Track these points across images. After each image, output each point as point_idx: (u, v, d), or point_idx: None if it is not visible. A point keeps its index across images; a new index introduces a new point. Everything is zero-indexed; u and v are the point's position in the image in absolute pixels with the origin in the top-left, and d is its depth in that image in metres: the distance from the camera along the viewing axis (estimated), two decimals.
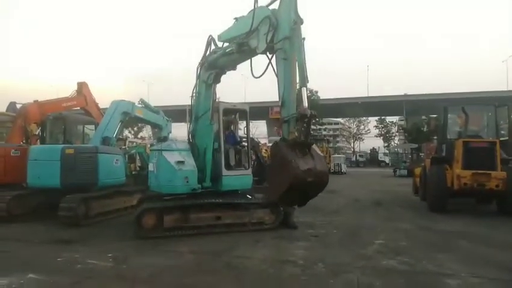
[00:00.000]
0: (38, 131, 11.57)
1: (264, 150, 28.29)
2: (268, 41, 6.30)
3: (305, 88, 5.84)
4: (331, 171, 33.28)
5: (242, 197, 8.24)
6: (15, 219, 8.75)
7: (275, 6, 6.44)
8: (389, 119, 74.74)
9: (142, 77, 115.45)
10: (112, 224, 8.86)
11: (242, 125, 9.30)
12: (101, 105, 13.54)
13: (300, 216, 8.68)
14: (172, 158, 7.70)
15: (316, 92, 52.63)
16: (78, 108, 13.28)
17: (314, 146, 5.95)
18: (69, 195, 8.39)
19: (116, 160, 9.89)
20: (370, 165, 59.25)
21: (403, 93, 56.78)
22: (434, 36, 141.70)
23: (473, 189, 10.05)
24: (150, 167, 8.29)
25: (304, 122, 5.72)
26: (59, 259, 5.87)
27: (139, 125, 56.36)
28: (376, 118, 74.59)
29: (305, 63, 5.92)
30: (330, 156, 35.46)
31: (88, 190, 8.90)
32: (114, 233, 7.74)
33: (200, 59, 8.11)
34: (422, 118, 51.71)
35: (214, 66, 7.93)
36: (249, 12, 6.79)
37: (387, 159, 60.83)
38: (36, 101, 11.87)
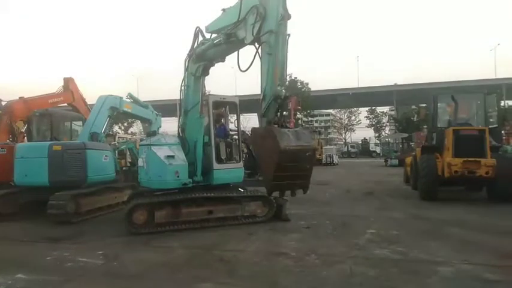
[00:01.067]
0: (24, 128, 11.36)
1: None
2: (254, 32, 6.24)
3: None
4: (323, 162, 33.41)
5: (234, 190, 8.18)
6: (4, 218, 8.58)
7: None
8: (380, 109, 75.28)
9: (132, 72, 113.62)
10: (103, 220, 8.76)
11: (233, 118, 9.23)
12: (89, 101, 13.31)
13: (292, 208, 8.65)
14: (162, 152, 7.59)
15: (307, 83, 52.74)
16: (65, 104, 13.06)
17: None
18: (58, 193, 8.24)
19: (105, 156, 9.74)
20: (362, 155, 59.58)
21: (393, 83, 57.03)
22: (423, 27, 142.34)
23: (463, 177, 10.12)
24: (140, 162, 8.17)
25: (277, 103, 6.05)
26: (48, 258, 5.77)
27: (130, 120, 55.97)
28: (367, 109, 75.02)
29: (286, 61, 6.07)
30: (321, 148, 35.52)
31: (77, 187, 8.74)
32: (104, 230, 7.64)
33: (188, 51, 7.96)
34: (412, 108, 52.12)
35: (202, 58, 7.80)
36: (237, 2, 6.71)
37: (378, 150, 61.22)
38: (22, 98, 11.60)
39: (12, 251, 6.34)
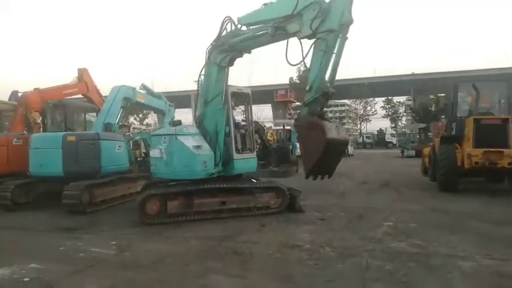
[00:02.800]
0: (40, 119, 11.47)
1: (269, 134, 28.20)
2: (313, 27, 6.29)
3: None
4: None
5: (247, 181, 8.07)
6: (19, 208, 8.70)
7: None
8: (396, 99, 74.01)
9: (147, 63, 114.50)
10: (116, 210, 8.78)
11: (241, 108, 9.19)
12: (103, 92, 13.36)
13: (306, 199, 8.52)
14: (189, 142, 7.50)
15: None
16: (80, 95, 13.13)
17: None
18: (73, 183, 8.28)
19: (119, 146, 9.74)
20: (377, 146, 58.85)
21: (410, 73, 55.89)
22: (442, 13, 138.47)
23: (484, 168, 9.79)
24: (155, 153, 7.89)
25: (324, 99, 6.53)
26: (61, 247, 5.78)
27: (145, 111, 56.50)
28: (383, 99, 73.84)
29: (338, 65, 6.35)
30: None
31: (91, 177, 8.77)
32: (118, 220, 7.65)
33: (213, 40, 7.76)
34: (430, 97, 51.03)
35: (233, 49, 7.66)
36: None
37: (394, 140, 60.33)
38: (36, 89, 11.72)
39: (26, 241, 6.39)
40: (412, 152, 29.89)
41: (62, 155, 8.57)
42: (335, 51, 6.30)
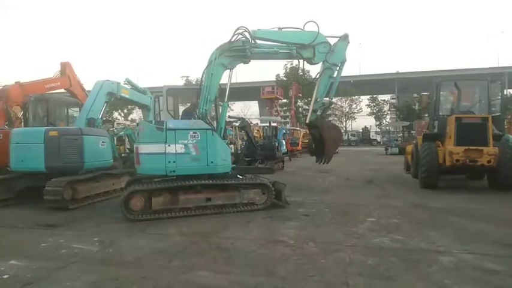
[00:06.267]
0: (21, 114, 11.23)
1: (255, 131, 28.17)
2: (324, 59, 8.71)
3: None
4: None
5: (232, 177, 8.08)
6: (0, 204, 8.52)
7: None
8: (381, 97, 74.73)
9: (131, 58, 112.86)
10: (99, 207, 8.68)
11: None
12: (86, 87, 13.14)
13: (291, 195, 8.57)
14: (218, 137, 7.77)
15: (308, 71, 52.09)
16: (63, 89, 12.90)
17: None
18: (55, 179, 8.15)
19: (102, 142, 9.62)
20: (362, 144, 59.47)
21: (395, 71, 56.55)
22: (426, 13, 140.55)
23: (465, 166, 10.00)
24: (175, 148, 7.40)
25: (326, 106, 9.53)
26: (43, 244, 5.69)
27: (130, 106, 55.77)
28: (368, 97, 74.49)
29: (335, 86, 9.02)
30: None
31: (74, 173, 8.66)
32: (101, 217, 7.57)
33: (223, 43, 8.13)
34: (413, 96, 51.79)
35: (246, 56, 8.26)
36: (301, 31, 8.50)
37: (379, 138, 61.05)
38: (18, 82, 11.47)
39: (7, 237, 6.27)
40: (396, 150, 30.29)
41: (43, 150, 8.42)
42: (335, 76, 8.92)
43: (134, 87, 12.08)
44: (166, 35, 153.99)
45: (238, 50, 8.15)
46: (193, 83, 54.43)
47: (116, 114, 59.31)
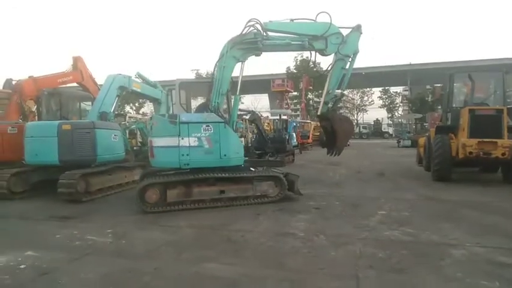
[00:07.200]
0: (34, 108, 11.40)
1: (266, 124, 28.14)
2: (337, 50, 8.51)
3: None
4: None
5: (246, 170, 8.11)
6: (15, 196, 8.73)
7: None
8: (393, 89, 73.79)
9: (143, 52, 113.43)
10: (112, 199, 8.82)
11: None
12: (98, 81, 13.25)
13: (301, 188, 8.56)
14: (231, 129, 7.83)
15: (319, 63, 51.73)
16: (76, 83, 13.03)
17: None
18: (68, 172, 8.30)
19: (114, 135, 9.74)
20: (374, 136, 58.92)
21: (407, 63, 55.73)
22: (439, 3, 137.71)
23: (478, 158, 9.85)
24: (188, 141, 7.42)
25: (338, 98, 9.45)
26: (57, 236, 5.81)
27: (141, 100, 56.13)
28: (380, 89, 73.62)
29: (347, 78, 8.87)
30: None
31: (87, 166, 8.80)
32: (114, 209, 7.69)
33: (235, 36, 8.10)
34: (426, 88, 50.99)
35: (258, 48, 8.19)
36: (313, 22, 8.34)
37: (391, 130, 60.38)
38: (31, 77, 11.61)
39: (23, 229, 6.43)
40: (408, 142, 29.92)
41: (57, 143, 8.56)
42: (347, 68, 8.70)
43: (145, 81, 12.15)
44: (176, 28, 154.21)
45: (249, 43, 8.10)
46: (204, 76, 54.51)
47: (127, 108, 59.75)
